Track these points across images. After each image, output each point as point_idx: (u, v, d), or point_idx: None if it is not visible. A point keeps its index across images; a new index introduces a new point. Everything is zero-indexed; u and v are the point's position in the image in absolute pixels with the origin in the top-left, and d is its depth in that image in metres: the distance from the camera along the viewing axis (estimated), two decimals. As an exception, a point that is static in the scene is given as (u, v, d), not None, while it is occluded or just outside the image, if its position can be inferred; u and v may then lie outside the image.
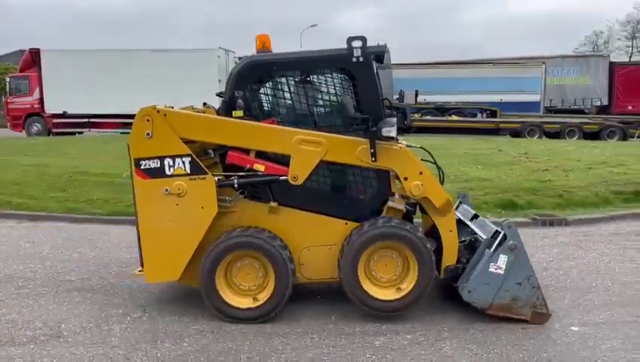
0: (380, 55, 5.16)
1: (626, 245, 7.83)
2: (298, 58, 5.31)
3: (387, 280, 5.07)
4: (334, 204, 5.24)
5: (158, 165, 4.89)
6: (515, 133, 24.79)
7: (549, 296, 5.70)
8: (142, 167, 4.90)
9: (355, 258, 4.94)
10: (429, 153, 5.65)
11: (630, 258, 7.16)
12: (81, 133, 25.35)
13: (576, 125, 24.49)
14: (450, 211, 5.14)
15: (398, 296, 5.01)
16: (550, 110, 31.55)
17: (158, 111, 4.88)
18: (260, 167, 5.01)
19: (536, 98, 30.41)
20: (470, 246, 5.39)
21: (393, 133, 4.77)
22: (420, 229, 5.09)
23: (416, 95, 29.04)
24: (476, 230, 5.60)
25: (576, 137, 23.76)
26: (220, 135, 4.99)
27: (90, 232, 8.49)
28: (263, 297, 5.01)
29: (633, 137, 24.17)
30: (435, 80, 30.12)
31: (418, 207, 5.47)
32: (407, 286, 5.02)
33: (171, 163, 4.89)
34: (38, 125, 25.59)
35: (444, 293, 5.59)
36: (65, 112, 25.03)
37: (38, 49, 25.32)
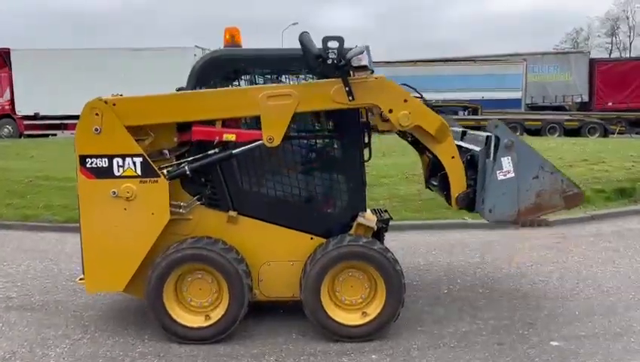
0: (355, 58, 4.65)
1: (607, 247, 7.52)
2: (268, 55, 4.84)
3: (352, 304, 4.64)
4: (299, 217, 4.79)
5: (106, 164, 4.44)
6: (497, 131, 24.56)
7: (527, 306, 5.37)
8: (88, 166, 4.45)
9: (318, 278, 4.51)
10: (412, 87, 5.29)
11: (612, 261, 6.84)
12: (54, 135, 24.66)
13: (557, 122, 24.38)
14: (448, 135, 4.66)
15: (363, 321, 4.58)
16: (531, 107, 31.45)
17: (106, 102, 4.42)
18: (230, 136, 4.52)
19: (517, 95, 30.29)
20: (470, 165, 4.83)
21: (365, 60, 4.29)
22: (389, 250, 4.65)
23: (398, 93, 28.77)
24: (469, 146, 5.08)
25: (557, 134, 23.64)
26: (179, 111, 4.51)
27: (44, 241, 7.98)
28: (216, 315, 4.57)
29: (614, 133, 24.12)
30: (416, 77, 29.51)
31: (416, 148, 5.22)
32: (374, 311, 4.59)
33: (121, 163, 4.44)
34: (9, 127, 24.84)
35: (413, 311, 5.22)
36: (37, 114, 24.33)
37: (9, 49, 24.58)
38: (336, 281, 4.64)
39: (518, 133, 23.90)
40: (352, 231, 4.77)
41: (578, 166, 12.80)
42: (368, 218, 4.80)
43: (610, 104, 31.04)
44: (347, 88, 4.37)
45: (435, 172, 5.08)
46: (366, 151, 5.02)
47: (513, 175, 4.50)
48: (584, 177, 11.56)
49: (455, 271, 6.53)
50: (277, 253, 4.78)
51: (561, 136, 23.33)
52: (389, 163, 12.86)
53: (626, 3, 54.79)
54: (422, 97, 5.22)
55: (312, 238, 4.78)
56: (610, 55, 51.89)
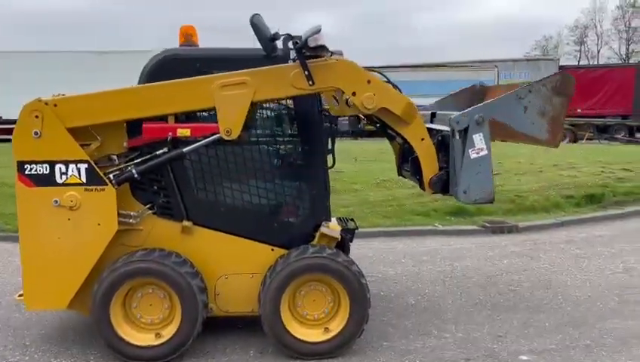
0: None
1: (577, 254, 7.43)
2: (226, 55, 4.53)
3: (314, 319, 4.38)
4: (259, 227, 4.52)
5: (47, 171, 4.10)
6: (469, 136, 24.68)
7: (497, 317, 5.19)
8: (27, 173, 4.10)
9: (278, 292, 4.24)
10: (382, 74, 5.06)
11: (581, 268, 6.73)
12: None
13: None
14: (416, 116, 4.42)
15: (325, 337, 4.33)
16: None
17: (47, 103, 4.08)
18: (184, 131, 4.22)
19: (489, 101, 30.51)
20: (442, 146, 4.57)
21: (322, 40, 4.00)
22: (354, 262, 4.41)
23: (371, 98, 28.79)
24: (440, 127, 4.80)
25: (528, 140, 23.81)
26: (126, 107, 4.18)
27: (-7, 252, 7.54)
28: (168, 333, 4.26)
29: (583, 139, 24.42)
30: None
31: (386, 135, 5.01)
32: (337, 326, 4.34)
33: (64, 169, 4.11)
34: (-28, 132, 23.97)
35: (379, 325, 5.00)
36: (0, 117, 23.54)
37: (-31, 50, 23.79)
38: (297, 295, 4.38)
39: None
40: (315, 242, 4.53)
41: (548, 171, 12.83)
42: (332, 228, 4.56)
43: (579, 110, 31.48)
44: (306, 72, 4.12)
45: (406, 158, 4.88)
46: (334, 157, 4.78)
47: (487, 152, 4.29)
48: (553, 182, 11.59)
49: (424, 281, 6.33)
50: (235, 266, 4.51)
51: (531, 142, 23.51)
52: (360, 169, 12.68)
53: (594, 12, 56.06)
54: (389, 81, 5.03)
55: (272, 249, 4.52)
56: (578, 62, 52.89)
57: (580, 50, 57.74)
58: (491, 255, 7.42)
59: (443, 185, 4.47)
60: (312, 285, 4.38)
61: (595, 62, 50.40)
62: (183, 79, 4.24)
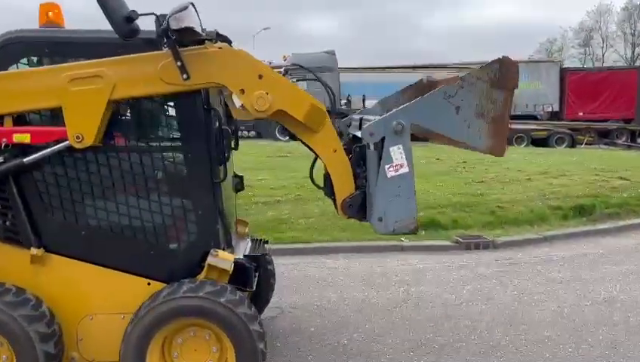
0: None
1: (553, 278, 6.46)
2: (84, 38, 3.61)
3: None
4: (131, 255, 3.62)
5: None
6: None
7: (439, 366, 4.25)
8: None
9: (141, 342, 3.33)
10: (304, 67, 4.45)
11: (556, 297, 5.77)
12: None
13: (524, 131, 23.54)
14: (325, 122, 3.51)
15: None
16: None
17: None
18: (22, 137, 3.34)
19: (487, 104, 29.51)
20: (361, 160, 3.63)
21: (189, 20, 3.11)
22: (247, 302, 3.48)
23: (364, 100, 27.84)
24: (358, 133, 3.88)
25: (524, 144, 22.79)
26: None
27: None
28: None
29: (582, 144, 23.37)
30: (385, 84, 28.79)
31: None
32: None
33: None
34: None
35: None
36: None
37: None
38: (173, 344, 3.47)
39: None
40: (202, 275, 3.61)
41: (536, 179, 11.84)
42: (222, 257, 3.62)
43: (581, 114, 30.42)
44: (179, 63, 3.22)
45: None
46: (225, 169, 3.83)
47: (407, 170, 3.41)
48: (541, 192, 10.60)
49: (368, 311, 5.39)
50: (102, 303, 3.61)
51: (528, 146, 22.49)
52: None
53: (599, 14, 54.86)
54: (318, 79, 4.22)
55: (149, 284, 3.61)
56: (583, 66, 51.72)
57: (585, 53, 56.58)
58: (455, 278, 6.47)
59: (359, 209, 3.55)
60: (193, 330, 3.47)
61: (601, 66, 49.27)
62: (23, 70, 3.34)
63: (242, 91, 3.34)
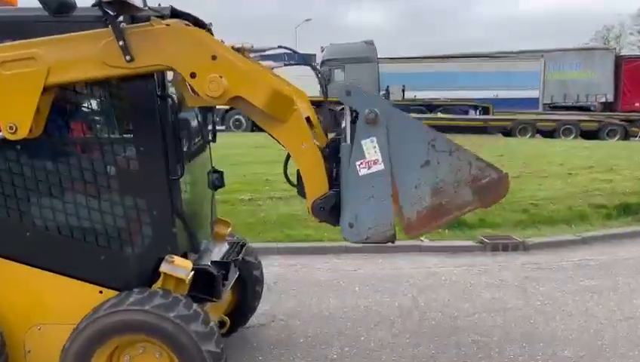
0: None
1: (586, 287, 5.76)
2: (18, 18, 3.21)
3: None
4: (81, 260, 3.26)
5: None
6: (506, 132, 22.63)
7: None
8: None
9: (81, 360, 2.98)
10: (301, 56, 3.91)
11: (585, 309, 5.10)
12: None
13: (572, 123, 22.23)
14: (292, 110, 3.03)
15: None
16: (552, 107, 29.21)
17: None
18: None
19: (534, 94, 28.20)
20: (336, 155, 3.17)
21: None
22: (198, 318, 3.05)
23: (403, 91, 27.10)
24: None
25: (572, 136, 21.51)
26: None
27: None
28: None
29: (636, 137, 21.84)
30: (425, 75, 28.18)
31: None
32: None
33: None
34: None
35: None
36: None
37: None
38: (120, 361, 3.09)
39: (529, 135, 21.93)
40: (158, 284, 3.22)
41: (579, 174, 10.93)
42: (178, 264, 3.21)
43: (637, 104, 28.60)
44: (121, 42, 2.82)
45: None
46: (183, 165, 3.40)
47: (382, 166, 2.92)
48: (583, 188, 9.74)
49: (368, 321, 4.89)
50: (51, 313, 3.28)
51: (576, 138, 21.23)
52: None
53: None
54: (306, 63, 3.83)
55: (101, 291, 3.25)
56: (643, 53, 48.79)
57: (645, 40, 53.34)
58: (473, 284, 5.87)
59: (332, 211, 3.06)
60: (142, 347, 3.08)
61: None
62: None
63: (193, 75, 2.90)
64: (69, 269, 3.25)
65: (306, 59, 4.13)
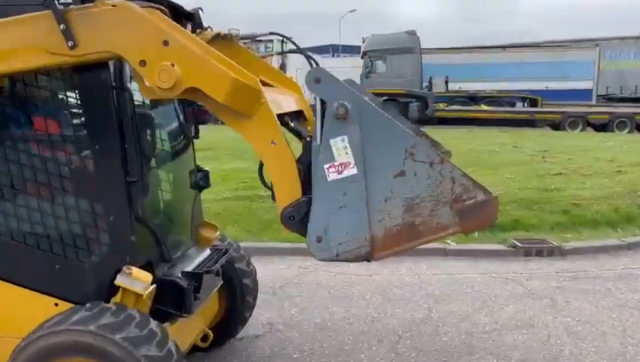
0: None
1: (627, 301, 5.11)
2: None
3: None
4: (34, 269, 2.97)
5: None
6: (555, 125, 21.52)
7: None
8: None
9: None
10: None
11: (622, 330, 4.48)
12: None
13: (627, 116, 20.87)
14: (258, 104, 2.63)
15: None
16: (608, 98, 27.61)
17: None
18: None
19: (587, 85, 26.65)
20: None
21: None
22: (152, 341, 2.69)
23: (447, 82, 26.20)
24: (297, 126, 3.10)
25: (627, 130, 20.21)
26: None
27: None
28: None
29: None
30: (471, 66, 27.16)
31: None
32: None
33: None
34: None
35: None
36: None
37: None
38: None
39: (579, 129, 20.74)
40: (117, 298, 2.90)
41: (630, 172, 10.07)
42: (136, 276, 2.87)
43: None
44: (62, 26, 2.50)
45: None
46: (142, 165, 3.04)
47: (355, 171, 2.47)
48: (633, 187, 8.91)
49: (372, 334, 4.45)
50: (4, 325, 3.00)
51: (632, 133, 19.92)
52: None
53: None
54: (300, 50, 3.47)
55: (56, 304, 2.96)
56: None
57: None
58: (498, 294, 5.32)
59: (303, 221, 2.64)
60: (92, 369, 2.76)
61: None
62: None
63: (143, 63, 2.54)
64: (23, 279, 2.97)
65: (296, 45, 3.72)
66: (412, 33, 25.66)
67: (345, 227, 2.51)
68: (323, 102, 2.51)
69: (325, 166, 2.47)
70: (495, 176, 9.79)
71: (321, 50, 42.80)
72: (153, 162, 3.36)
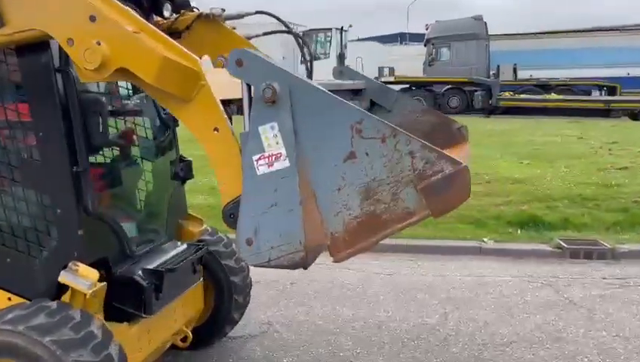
0: None
1: (679, 316, 4.44)
2: None
3: None
4: None
5: None
6: (634, 115, 19.85)
7: None
8: None
9: None
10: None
11: (668, 350, 3.86)
12: None
13: None
14: (197, 87, 2.31)
15: None
16: None
17: None
18: None
19: (674, 71, 24.46)
20: None
21: None
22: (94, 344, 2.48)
23: (515, 70, 24.84)
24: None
25: None
26: None
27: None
28: None
29: None
30: (543, 52, 25.67)
31: None
32: None
33: None
34: None
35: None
36: None
37: None
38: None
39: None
40: (67, 295, 2.72)
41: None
42: (81, 274, 2.67)
43: None
44: None
45: None
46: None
47: (288, 163, 2.11)
48: None
49: (377, 340, 4.08)
50: None
51: None
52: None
53: None
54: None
55: (9, 299, 2.83)
56: None
57: None
58: (528, 301, 4.78)
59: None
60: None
61: None
62: None
63: (70, 41, 2.31)
64: None
65: (288, 27, 3.39)
66: (478, 18, 24.53)
67: (277, 228, 2.15)
68: (250, 87, 2.16)
69: (254, 157, 2.13)
70: (550, 169, 9.04)
71: (390, 38, 42.13)
72: (117, 152, 3.18)
